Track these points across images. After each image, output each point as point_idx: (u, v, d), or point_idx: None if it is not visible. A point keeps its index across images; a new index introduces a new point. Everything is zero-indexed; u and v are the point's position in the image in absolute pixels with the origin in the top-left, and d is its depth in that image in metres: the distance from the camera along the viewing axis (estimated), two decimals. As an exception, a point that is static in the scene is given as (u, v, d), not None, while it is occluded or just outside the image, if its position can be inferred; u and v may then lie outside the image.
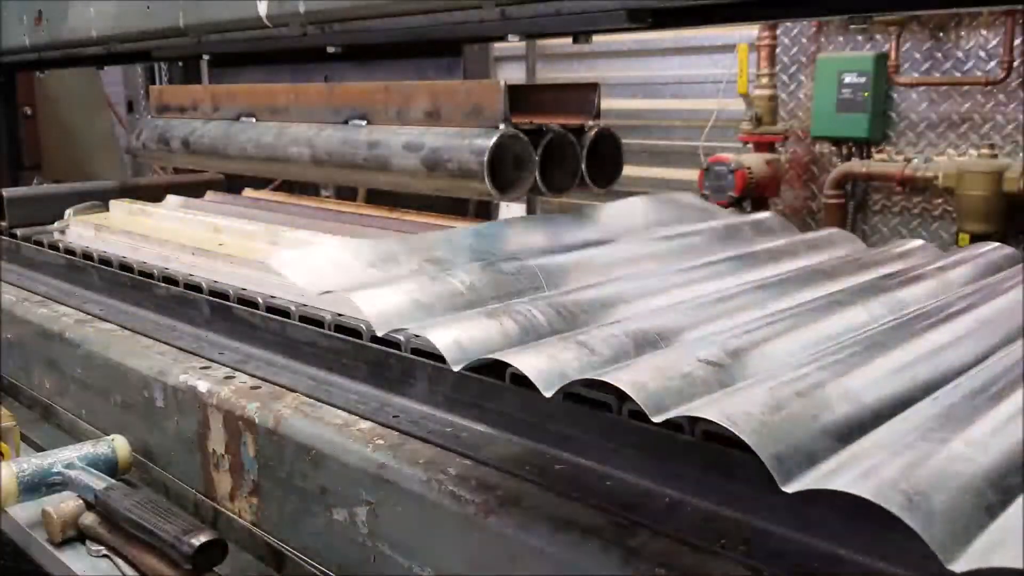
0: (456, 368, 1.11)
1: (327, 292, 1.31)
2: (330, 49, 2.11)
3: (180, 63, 4.02)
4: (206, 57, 2.63)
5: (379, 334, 1.22)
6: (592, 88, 1.95)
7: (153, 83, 4.47)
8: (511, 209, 4.93)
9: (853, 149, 4.67)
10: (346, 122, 2.13)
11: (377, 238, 1.70)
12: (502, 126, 1.76)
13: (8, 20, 2.86)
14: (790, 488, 0.81)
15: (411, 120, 1.98)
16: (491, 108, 1.79)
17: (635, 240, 1.72)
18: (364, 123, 2.09)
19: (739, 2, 1.38)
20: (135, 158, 3.02)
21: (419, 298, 1.27)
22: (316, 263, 1.36)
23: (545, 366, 1.05)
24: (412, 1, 1.68)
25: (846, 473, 0.81)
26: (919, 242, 1.89)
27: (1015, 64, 4.13)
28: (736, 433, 0.85)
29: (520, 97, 1.90)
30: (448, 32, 1.91)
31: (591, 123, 1.92)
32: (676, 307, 1.34)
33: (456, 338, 1.13)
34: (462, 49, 2.24)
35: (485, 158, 1.73)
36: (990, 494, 0.80)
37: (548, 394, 1.02)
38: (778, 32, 4.81)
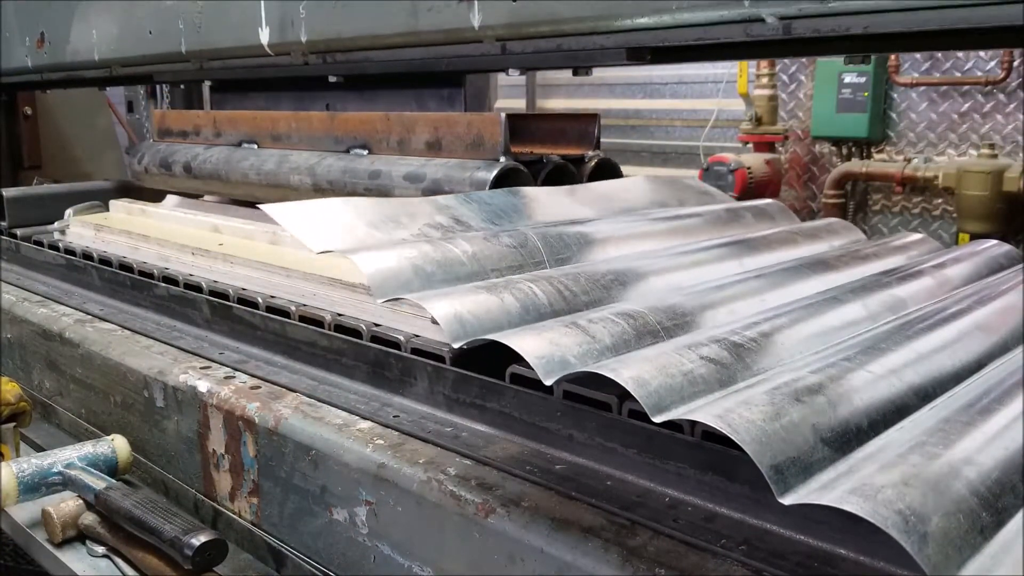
0: (455, 345, 1.11)
1: (327, 251, 1.31)
2: (332, 78, 2.10)
3: (182, 86, 4.02)
4: (208, 83, 2.63)
5: (377, 301, 1.22)
6: (592, 118, 1.97)
7: (154, 94, 4.47)
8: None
9: (853, 149, 4.67)
10: (347, 151, 2.13)
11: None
12: (503, 158, 1.76)
13: (10, 42, 2.86)
14: (787, 500, 0.81)
15: (412, 150, 1.98)
16: (492, 140, 1.80)
17: (637, 219, 1.72)
18: (365, 152, 2.09)
19: (734, 43, 1.37)
20: (138, 182, 3.01)
21: (420, 264, 1.27)
22: (318, 219, 1.36)
23: (546, 352, 1.05)
24: (412, 34, 1.67)
25: (842, 486, 0.82)
26: (919, 235, 1.90)
27: (1015, 64, 4.13)
28: (738, 442, 0.85)
29: (520, 127, 1.91)
30: (448, 65, 1.90)
31: (591, 153, 1.93)
32: (676, 292, 1.33)
33: (456, 312, 1.13)
34: (463, 80, 2.25)
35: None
36: (984, 514, 0.80)
37: (548, 382, 1.02)
38: (778, 32, 4.81)
